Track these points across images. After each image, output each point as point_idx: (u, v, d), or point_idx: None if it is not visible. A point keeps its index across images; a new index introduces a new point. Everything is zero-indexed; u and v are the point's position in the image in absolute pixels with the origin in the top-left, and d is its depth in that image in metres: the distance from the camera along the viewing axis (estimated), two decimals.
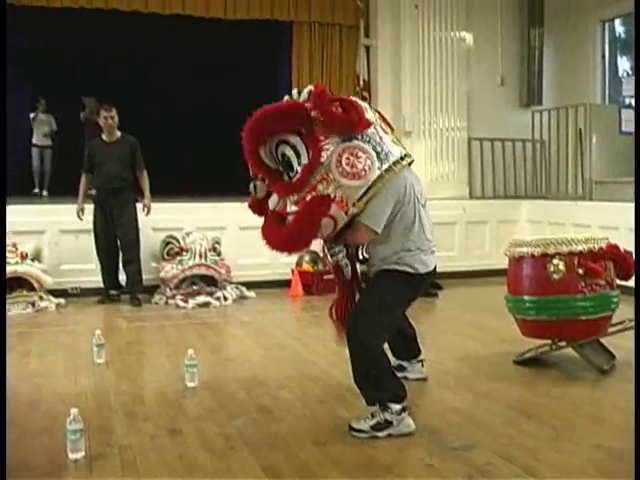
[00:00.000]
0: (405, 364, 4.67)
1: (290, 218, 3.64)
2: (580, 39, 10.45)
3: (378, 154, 3.60)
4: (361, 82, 10.48)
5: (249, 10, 9.94)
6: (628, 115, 9.04)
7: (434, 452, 3.42)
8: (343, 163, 3.52)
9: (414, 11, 10.00)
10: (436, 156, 10.14)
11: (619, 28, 10.75)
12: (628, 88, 9.99)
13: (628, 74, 10.64)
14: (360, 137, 3.59)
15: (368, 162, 3.54)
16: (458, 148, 10.25)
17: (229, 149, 13.91)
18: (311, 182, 3.55)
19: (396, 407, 3.66)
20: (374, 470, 3.24)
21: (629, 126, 8.97)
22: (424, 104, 10.12)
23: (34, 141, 11.82)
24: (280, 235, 3.69)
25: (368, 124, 3.62)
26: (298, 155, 3.59)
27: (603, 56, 10.44)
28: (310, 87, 3.70)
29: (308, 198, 3.57)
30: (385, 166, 3.61)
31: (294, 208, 3.65)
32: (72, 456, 3.36)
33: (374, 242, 3.85)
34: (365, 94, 10.47)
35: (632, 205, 7.69)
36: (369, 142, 3.61)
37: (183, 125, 13.00)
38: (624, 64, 10.89)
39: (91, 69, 12.34)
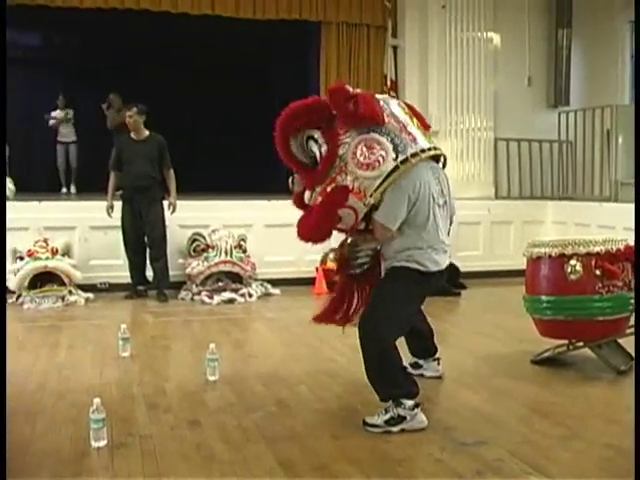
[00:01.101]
0: (421, 362, 4.73)
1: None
2: (608, 39, 10.40)
3: (396, 146, 3.69)
4: (388, 82, 10.57)
5: (278, 10, 10.08)
6: None
7: (446, 447, 3.49)
8: (357, 154, 3.68)
9: (441, 11, 10.05)
10: (462, 156, 10.18)
11: None
12: None
13: None
14: (378, 130, 3.71)
15: (382, 153, 3.65)
16: (484, 148, 10.27)
17: (256, 148, 14.03)
18: (330, 174, 3.76)
19: (409, 403, 3.73)
20: (386, 464, 3.32)
21: None
22: (451, 104, 10.16)
23: (58, 138, 11.89)
24: (304, 225, 3.92)
25: (380, 119, 3.71)
26: (320, 149, 3.79)
27: (632, 57, 10.38)
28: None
29: (328, 189, 3.78)
30: (401, 157, 3.68)
31: (320, 199, 3.85)
32: (95, 444, 3.48)
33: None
34: (393, 94, 10.54)
35: None
36: (387, 134, 3.70)
37: (211, 124, 13.12)
38: None
39: (121, 67, 12.51)
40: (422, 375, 4.58)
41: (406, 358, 4.75)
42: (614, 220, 8.06)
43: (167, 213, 7.81)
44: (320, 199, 3.83)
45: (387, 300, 3.83)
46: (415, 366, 4.69)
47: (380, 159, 3.65)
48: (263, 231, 8.64)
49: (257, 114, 13.27)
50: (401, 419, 3.71)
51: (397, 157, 3.68)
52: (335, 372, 4.94)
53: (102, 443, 3.49)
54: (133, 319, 6.93)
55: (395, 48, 10.59)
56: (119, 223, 7.75)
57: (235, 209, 8.76)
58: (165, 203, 7.80)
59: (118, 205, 7.75)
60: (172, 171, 7.84)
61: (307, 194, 4.00)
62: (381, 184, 3.67)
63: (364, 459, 3.37)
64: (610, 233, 7.12)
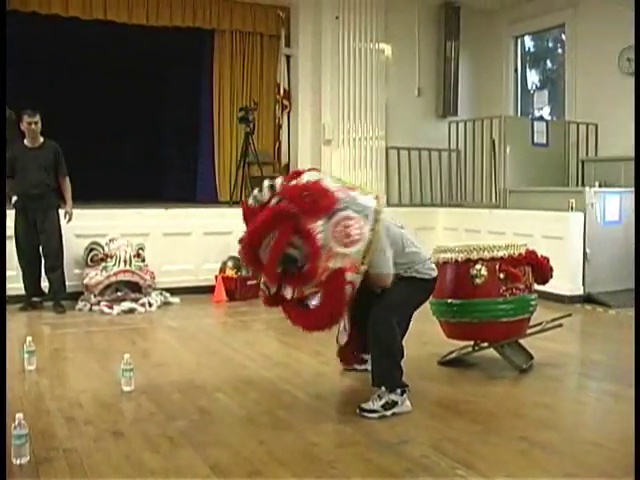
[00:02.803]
0: (366, 357, 4.86)
1: (315, 300, 4.10)
2: (494, 53, 10.92)
3: (359, 212, 4.09)
4: (281, 91, 10.66)
5: (171, 17, 10.01)
6: (540, 127, 9.47)
7: (371, 447, 3.60)
8: (340, 236, 4.00)
9: (335, 22, 10.20)
10: (355, 164, 10.33)
11: (528, 43, 11.27)
12: (539, 100, 10.51)
13: (537, 87, 11.17)
14: (340, 207, 4.06)
15: (358, 225, 4.04)
16: (376, 157, 10.47)
17: (152, 155, 13.79)
18: (321, 265, 3.99)
19: (399, 389, 4.14)
20: (316, 466, 3.38)
21: (541, 138, 9.41)
22: (343, 113, 10.31)
23: None
24: (315, 317, 4.13)
25: (335, 199, 4.08)
26: (299, 248, 4.03)
27: (516, 70, 10.92)
28: (268, 182, 4.28)
29: (324, 277, 4.01)
30: (371, 220, 4.10)
31: (311, 290, 4.09)
32: (16, 461, 3.37)
33: None
34: (285, 103, 10.67)
35: (545, 214, 8.14)
36: (348, 208, 4.08)
37: (106, 131, 12.84)
38: (533, 77, 11.43)
39: (8, 71, 12.05)
40: (367, 370, 4.73)
41: None
42: (504, 226, 8.43)
43: (63, 222, 7.61)
44: (320, 288, 4.04)
45: (399, 303, 4.26)
46: (361, 361, 4.92)
47: (359, 230, 4.03)
48: (161, 240, 8.55)
49: (151, 121, 13.15)
50: (394, 404, 4.09)
51: (368, 221, 4.08)
52: (249, 378, 4.97)
53: (24, 460, 3.39)
54: (31, 332, 6.66)
55: (288, 57, 10.69)
56: (12, 233, 7.49)
57: (132, 218, 8.61)
58: (61, 212, 7.60)
59: (10, 214, 7.49)
60: (68, 179, 7.65)
61: (289, 291, 4.17)
62: (367, 250, 4.04)
63: (295, 462, 3.42)
64: (501, 238, 7.46)
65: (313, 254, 3.98)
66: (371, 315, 4.24)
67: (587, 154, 9.60)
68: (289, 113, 10.72)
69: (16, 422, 3.41)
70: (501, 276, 4.96)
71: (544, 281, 5.22)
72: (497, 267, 4.97)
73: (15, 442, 3.39)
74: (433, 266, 4.51)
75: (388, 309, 4.21)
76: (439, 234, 9.76)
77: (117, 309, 7.53)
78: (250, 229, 4.18)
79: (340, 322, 4.47)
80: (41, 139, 7.56)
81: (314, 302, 4.11)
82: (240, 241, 4.22)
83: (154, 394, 4.55)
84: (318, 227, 3.99)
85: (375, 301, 4.30)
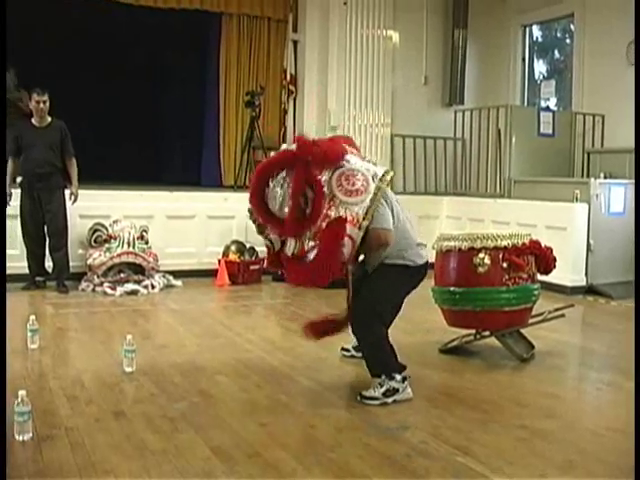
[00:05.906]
0: None
1: (314, 252, 4.00)
2: (502, 42, 10.87)
3: (367, 171, 4.08)
4: (288, 76, 10.64)
5: None
6: (546, 117, 9.44)
7: (371, 433, 3.62)
8: (344, 184, 3.96)
9: (342, 8, 10.17)
10: (360, 151, 10.30)
11: (536, 32, 11.23)
12: (546, 91, 10.49)
13: (544, 77, 11.14)
14: (347, 163, 4.05)
15: (362, 177, 4.01)
16: (382, 144, 10.47)
17: (157, 138, 13.73)
18: (322, 211, 3.94)
19: (399, 376, 4.15)
20: (317, 449, 3.40)
21: (547, 128, 9.39)
22: (350, 100, 10.30)
23: None
24: (309, 269, 4.01)
25: (345, 150, 4.13)
26: (305, 196, 3.97)
27: (523, 59, 10.89)
28: (287, 144, 4.31)
29: (324, 225, 3.94)
30: (377, 180, 4.06)
31: (312, 243, 4.04)
32: (19, 438, 3.40)
33: None
34: (292, 88, 10.65)
35: (549, 204, 8.13)
36: (355, 164, 4.09)
37: (112, 113, 12.81)
38: (540, 67, 11.39)
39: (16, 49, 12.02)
40: None
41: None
42: (508, 216, 8.43)
43: (68, 203, 7.61)
44: (319, 238, 3.97)
45: (381, 295, 4.25)
46: (358, 349, 4.88)
47: (364, 183, 4.00)
48: (164, 222, 8.56)
49: (157, 104, 13.13)
50: (395, 391, 4.10)
51: (374, 179, 4.05)
52: (251, 362, 4.99)
53: (27, 436, 3.42)
54: (34, 311, 6.67)
55: (295, 42, 10.66)
56: (17, 212, 7.51)
57: (136, 199, 8.62)
58: (67, 192, 7.60)
59: (16, 193, 7.49)
60: (74, 159, 7.64)
61: (290, 247, 4.14)
62: (370, 205, 3.98)
63: (295, 445, 3.45)
64: (504, 228, 7.45)
65: (317, 198, 3.93)
66: (355, 309, 4.31)
67: (593, 145, 9.58)
68: (295, 99, 10.70)
69: (19, 399, 3.43)
70: (504, 265, 4.96)
71: (547, 271, 5.21)
72: (500, 256, 4.97)
73: (17, 419, 3.41)
74: (422, 253, 4.36)
75: (371, 301, 4.22)
76: (443, 222, 9.79)
77: (120, 290, 7.55)
78: (259, 167, 4.20)
79: (334, 275, 4.30)
80: (49, 118, 7.55)
81: (311, 256, 4.02)
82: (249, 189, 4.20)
83: (155, 375, 4.57)
84: (322, 176, 3.96)
85: (360, 291, 4.33)
